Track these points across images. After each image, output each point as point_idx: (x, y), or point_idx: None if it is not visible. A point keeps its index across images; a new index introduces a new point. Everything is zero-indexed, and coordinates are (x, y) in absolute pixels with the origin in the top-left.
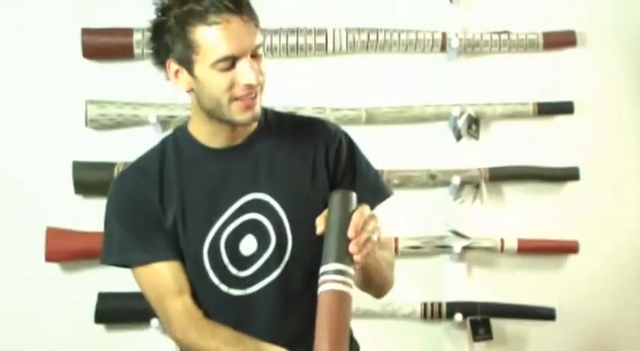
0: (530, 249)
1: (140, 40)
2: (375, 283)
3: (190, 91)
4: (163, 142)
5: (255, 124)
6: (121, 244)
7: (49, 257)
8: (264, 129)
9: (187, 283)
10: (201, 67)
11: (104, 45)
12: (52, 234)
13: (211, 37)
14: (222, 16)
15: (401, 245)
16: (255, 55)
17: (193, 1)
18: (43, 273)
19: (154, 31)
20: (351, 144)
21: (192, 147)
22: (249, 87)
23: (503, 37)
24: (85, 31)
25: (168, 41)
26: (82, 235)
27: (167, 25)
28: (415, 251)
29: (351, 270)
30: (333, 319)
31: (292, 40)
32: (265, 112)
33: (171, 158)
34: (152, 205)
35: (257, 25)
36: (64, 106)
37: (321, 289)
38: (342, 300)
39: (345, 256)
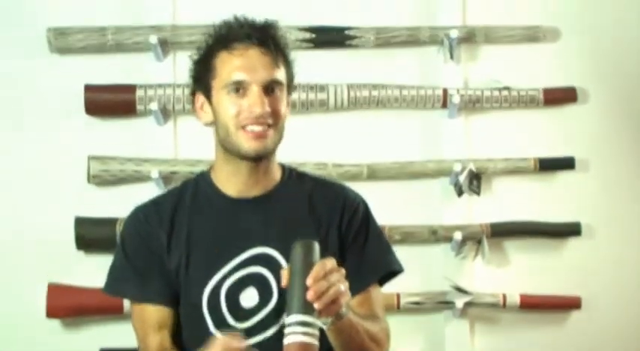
0: (533, 305)
1: (142, 96)
2: None
3: (212, 124)
4: (185, 183)
5: (276, 179)
6: (121, 275)
7: (50, 313)
8: (284, 185)
9: (171, 324)
10: (216, 93)
11: (107, 101)
12: (53, 290)
13: (227, 62)
14: (242, 44)
15: (402, 301)
16: (272, 90)
17: (225, 32)
18: (43, 329)
19: (192, 65)
20: (367, 214)
21: (209, 192)
22: (255, 117)
23: (504, 93)
24: (88, 88)
25: (198, 72)
26: (83, 291)
27: (200, 57)
28: (417, 307)
29: (314, 320)
30: None
31: (294, 95)
32: (290, 170)
33: (187, 200)
34: (159, 244)
35: (279, 64)
36: (66, 161)
37: (285, 341)
38: None
39: (307, 307)
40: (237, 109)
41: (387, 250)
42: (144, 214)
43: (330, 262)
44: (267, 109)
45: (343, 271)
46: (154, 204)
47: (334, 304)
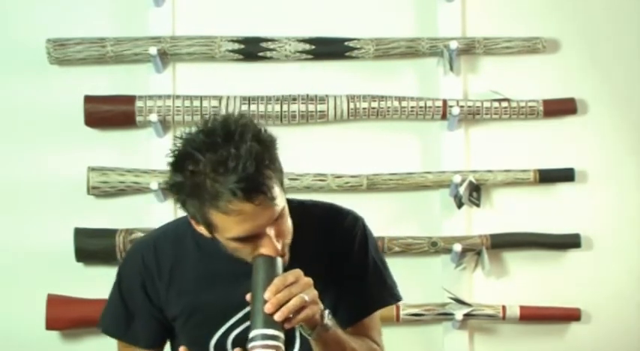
0: (533, 316)
1: (142, 107)
2: None
3: None
4: (183, 227)
5: None
6: (113, 313)
7: (50, 325)
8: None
9: None
10: (221, 237)
11: (106, 113)
12: (53, 301)
13: (225, 222)
14: (234, 204)
15: (402, 313)
16: (277, 219)
17: (210, 177)
18: (43, 341)
19: (176, 196)
20: (365, 238)
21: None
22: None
23: (504, 104)
24: (88, 99)
25: (182, 201)
26: (83, 302)
27: (182, 187)
28: (416, 319)
29: (277, 333)
30: None
31: (294, 107)
32: (289, 202)
33: (189, 246)
34: (155, 292)
35: (273, 194)
36: (65, 173)
37: None
38: None
39: (269, 320)
40: (250, 249)
41: (385, 281)
42: (142, 256)
43: (293, 275)
44: (279, 247)
45: (309, 280)
46: (154, 247)
47: (299, 314)
